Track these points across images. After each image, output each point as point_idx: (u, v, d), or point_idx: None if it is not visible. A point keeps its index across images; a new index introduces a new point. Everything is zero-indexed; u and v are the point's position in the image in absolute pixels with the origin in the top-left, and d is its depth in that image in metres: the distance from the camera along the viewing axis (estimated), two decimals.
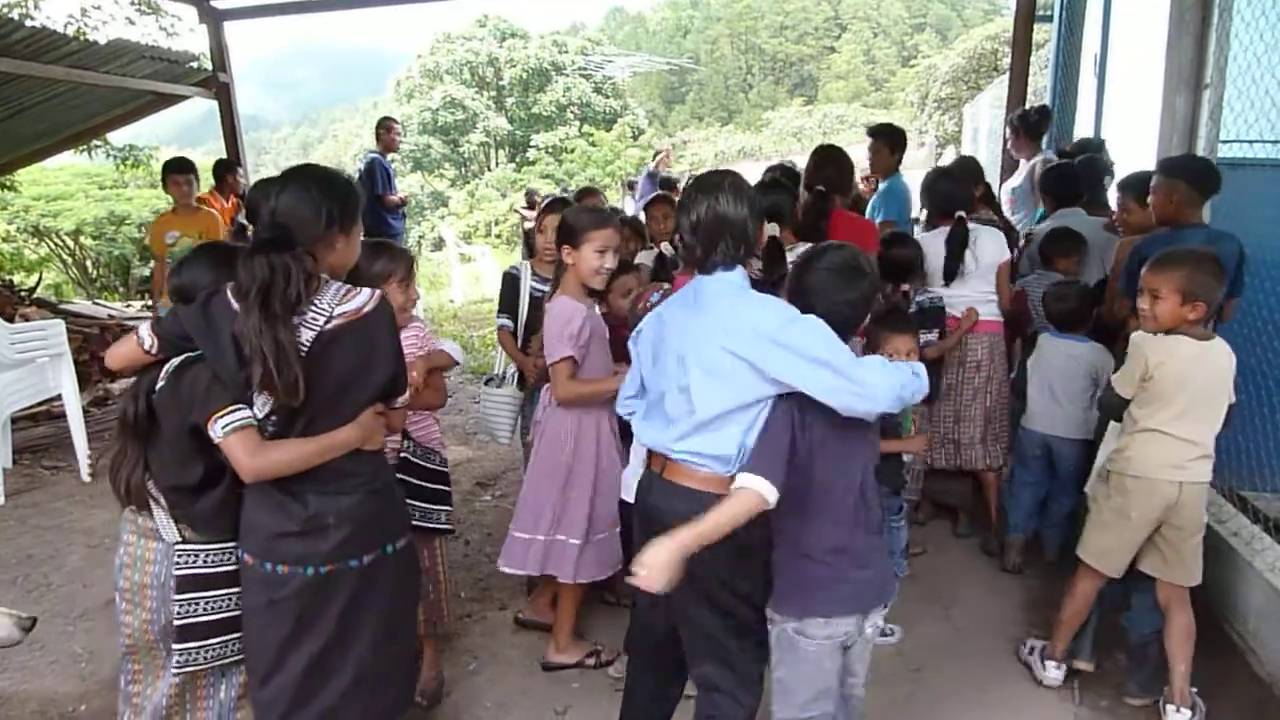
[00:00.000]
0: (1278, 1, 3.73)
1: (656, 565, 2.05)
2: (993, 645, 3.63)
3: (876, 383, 2.12)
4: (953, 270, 4.30)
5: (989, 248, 4.32)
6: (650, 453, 2.48)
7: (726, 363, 2.23)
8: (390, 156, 9.04)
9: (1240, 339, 3.72)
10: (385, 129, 8.94)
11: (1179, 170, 3.72)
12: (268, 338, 2.08)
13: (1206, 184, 3.69)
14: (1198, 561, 3.08)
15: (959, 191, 4.53)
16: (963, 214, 4.33)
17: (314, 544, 2.24)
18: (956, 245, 4.28)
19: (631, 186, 11.56)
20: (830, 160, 4.48)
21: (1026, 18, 7.17)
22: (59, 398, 5.95)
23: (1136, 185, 4.03)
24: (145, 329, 2.32)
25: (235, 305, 2.16)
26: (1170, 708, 3.09)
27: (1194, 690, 3.16)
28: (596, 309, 3.41)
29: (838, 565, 2.29)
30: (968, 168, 5.27)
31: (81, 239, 13.35)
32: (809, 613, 2.31)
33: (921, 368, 2.29)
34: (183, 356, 2.26)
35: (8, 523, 5.18)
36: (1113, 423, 3.31)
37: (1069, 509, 4.21)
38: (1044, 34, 9.54)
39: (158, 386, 2.27)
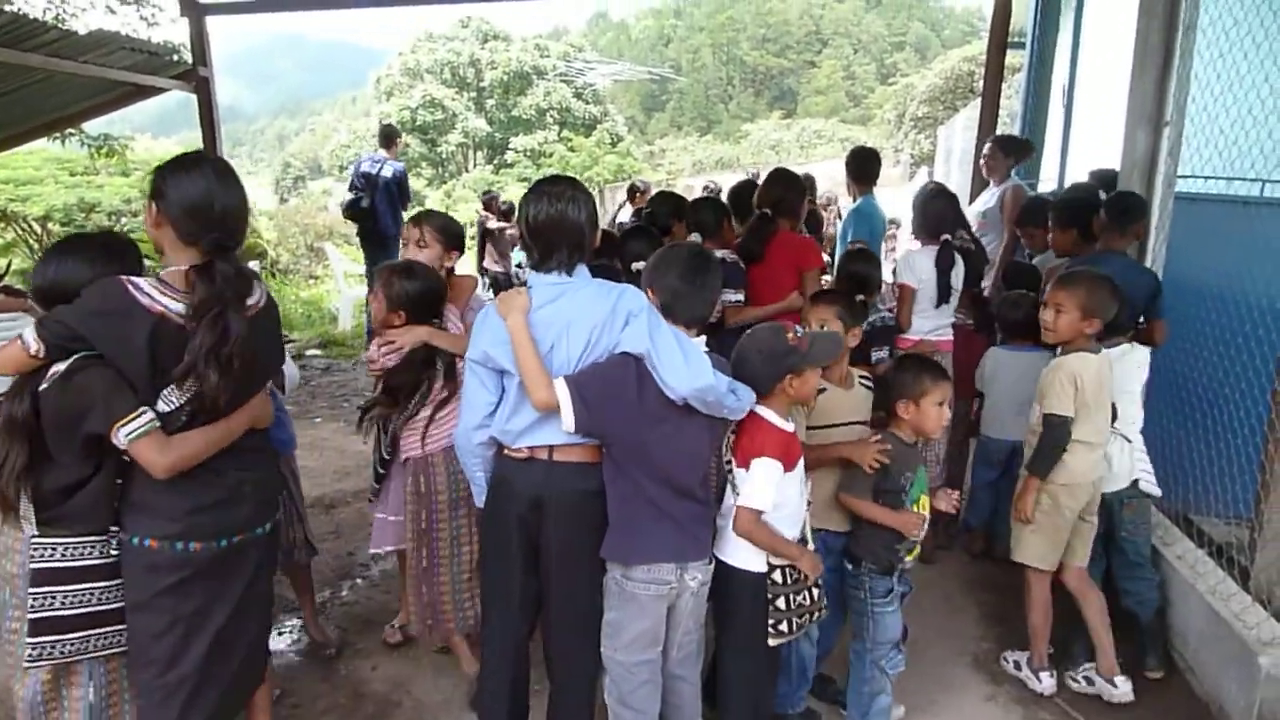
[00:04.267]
0: (1235, 45, 3.86)
1: None
2: (946, 658, 3.72)
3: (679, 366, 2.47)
4: (946, 293, 4.43)
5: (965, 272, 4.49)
6: (539, 447, 2.62)
7: (603, 346, 2.55)
8: None
9: (1191, 366, 3.86)
10: (399, 136, 9.26)
11: (1112, 208, 4.02)
12: (237, 344, 2.25)
13: (1135, 217, 3.99)
14: (1091, 541, 3.48)
15: (950, 213, 4.66)
16: (948, 236, 4.47)
17: (231, 514, 2.39)
18: (948, 267, 4.41)
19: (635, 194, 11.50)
20: (780, 183, 4.66)
21: (999, 44, 7.34)
22: None
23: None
24: (30, 333, 2.21)
25: (153, 306, 2.19)
26: (1119, 679, 3.38)
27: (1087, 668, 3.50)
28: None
29: (658, 519, 2.57)
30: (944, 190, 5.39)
31: (50, 225, 13.18)
32: (632, 558, 2.59)
33: (746, 391, 2.60)
34: (73, 359, 2.21)
35: None
36: None
37: None
38: (1019, 59, 9.74)
39: (42, 388, 2.22)
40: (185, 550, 2.31)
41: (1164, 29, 4.06)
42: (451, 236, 3.61)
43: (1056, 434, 3.29)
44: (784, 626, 2.76)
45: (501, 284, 4.25)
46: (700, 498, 2.67)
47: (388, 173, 9.01)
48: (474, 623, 3.29)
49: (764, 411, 2.71)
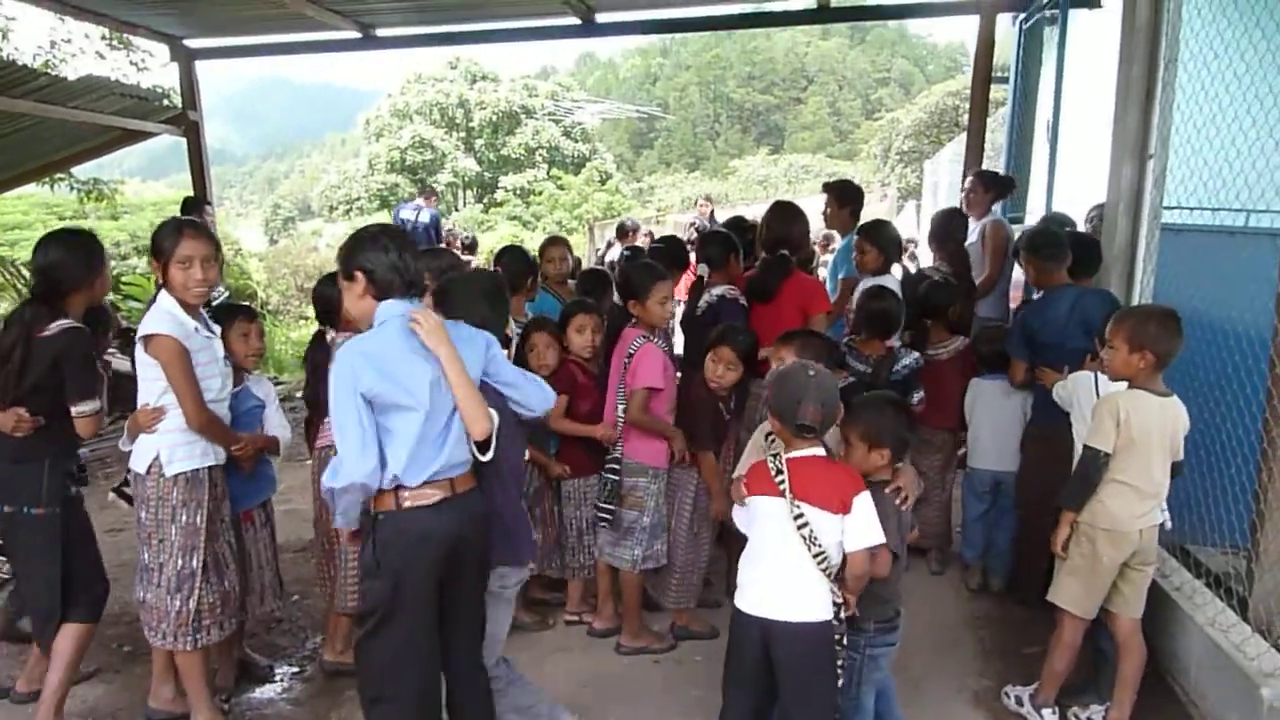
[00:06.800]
0: (1216, 76, 3.90)
1: None
2: (945, 694, 3.68)
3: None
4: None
5: None
6: (440, 482, 2.66)
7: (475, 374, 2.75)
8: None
9: (1183, 396, 3.85)
10: (437, 192, 10.70)
11: (1029, 248, 4.27)
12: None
13: (1053, 255, 4.19)
14: (1145, 592, 3.36)
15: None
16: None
17: None
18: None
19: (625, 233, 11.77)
20: (784, 218, 4.67)
21: (983, 79, 7.41)
22: None
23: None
24: None
25: None
26: None
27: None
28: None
29: (515, 522, 2.98)
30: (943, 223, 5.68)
31: None
32: (507, 561, 2.93)
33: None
34: None
35: None
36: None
37: (1012, 536, 4.50)
38: (1003, 93, 9.84)
39: None
40: None
41: (1146, 63, 4.12)
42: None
43: (1087, 466, 3.23)
44: (841, 665, 2.74)
45: None
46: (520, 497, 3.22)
47: (424, 218, 11.10)
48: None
49: (822, 451, 2.74)
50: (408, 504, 2.61)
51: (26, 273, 13.08)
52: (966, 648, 4.10)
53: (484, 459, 2.72)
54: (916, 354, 4.43)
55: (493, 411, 2.71)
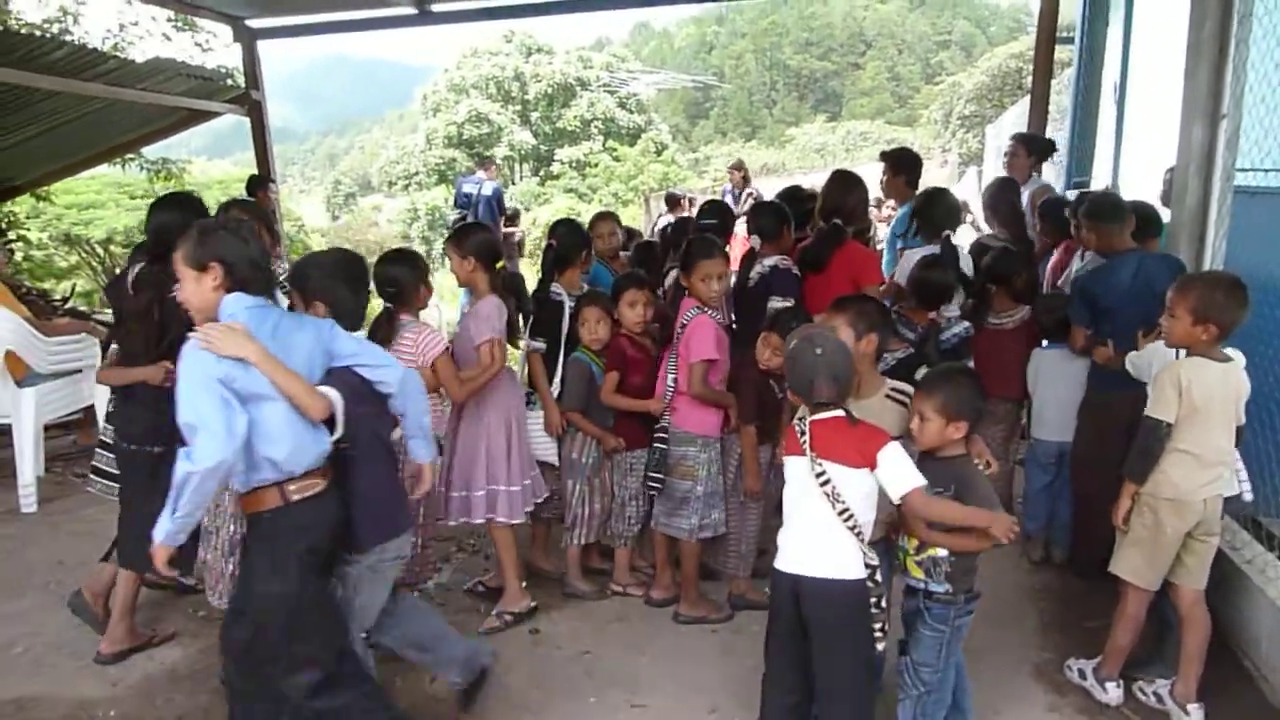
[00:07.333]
0: None
1: None
2: (1007, 668, 3.65)
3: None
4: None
5: None
6: (320, 469, 2.73)
7: (319, 364, 2.78)
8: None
9: (1256, 364, 3.74)
10: (494, 161, 11.16)
11: (1089, 215, 4.19)
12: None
13: (1115, 218, 4.11)
14: (1209, 564, 3.27)
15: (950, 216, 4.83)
16: (948, 233, 4.58)
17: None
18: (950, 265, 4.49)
19: (676, 203, 11.95)
20: (841, 187, 4.63)
21: (1048, 41, 7.21)
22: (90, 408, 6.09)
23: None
24: None
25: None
26: (1192, 707, 3.23)
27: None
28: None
29: (384, 498, 2.97)
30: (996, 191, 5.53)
31: (112, 247, 13.56)
32: (380, 539, 2.92)
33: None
34: None
35: (40, 529, 5.32)
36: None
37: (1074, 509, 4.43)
38: (1068, 54, 9.57)
39: None
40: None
41: (1218, 17, 3.96)
42: (467, 245, 3.90)
43: (1148, 437, 3.16)
44: (880, 630, 2.72)
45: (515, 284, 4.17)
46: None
47: (487, 191, 11.14)
48: None
49: (843, 413, 2.73)
50: (295, 497, 2.65)
51: (101, 250, 13.58)
52: (1028, 620, 4.06)
53: (333, 437, 2.73)
54: (967, 324, 4.36)
55: (332, 391, 2.71)
